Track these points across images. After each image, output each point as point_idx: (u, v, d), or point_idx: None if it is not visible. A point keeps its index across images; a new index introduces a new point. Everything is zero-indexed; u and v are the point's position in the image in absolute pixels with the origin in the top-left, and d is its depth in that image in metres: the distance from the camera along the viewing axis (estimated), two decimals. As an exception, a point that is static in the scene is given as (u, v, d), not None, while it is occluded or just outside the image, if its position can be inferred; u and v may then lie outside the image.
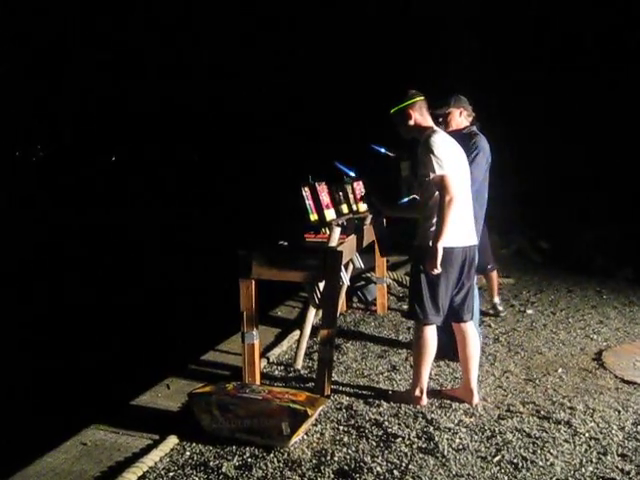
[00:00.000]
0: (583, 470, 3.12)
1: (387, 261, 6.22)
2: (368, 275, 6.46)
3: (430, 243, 3.58)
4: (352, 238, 4.63)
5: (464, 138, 4.48)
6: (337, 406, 3.85)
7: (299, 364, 4.54)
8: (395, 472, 3.07)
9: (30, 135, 23.99)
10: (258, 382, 3.98)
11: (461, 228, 3.70)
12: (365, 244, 5.07)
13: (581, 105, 10.66)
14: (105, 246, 11.06)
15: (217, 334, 5.12)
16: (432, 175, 3.58)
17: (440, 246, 3.52)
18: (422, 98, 3.83)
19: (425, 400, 3.86)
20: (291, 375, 4.41)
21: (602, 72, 10.73)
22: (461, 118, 4.65)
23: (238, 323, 3.99)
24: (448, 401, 3.91)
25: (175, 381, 4.25)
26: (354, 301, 6.33)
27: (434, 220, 3.61)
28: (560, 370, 4.53)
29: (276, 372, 4.47)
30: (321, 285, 4.08)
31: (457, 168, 3.69)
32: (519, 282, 7.57)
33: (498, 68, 11.21)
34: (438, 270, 3.56)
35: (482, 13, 11.67)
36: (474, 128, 4.71)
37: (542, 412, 3.79)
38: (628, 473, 3.10)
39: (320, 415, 3.64)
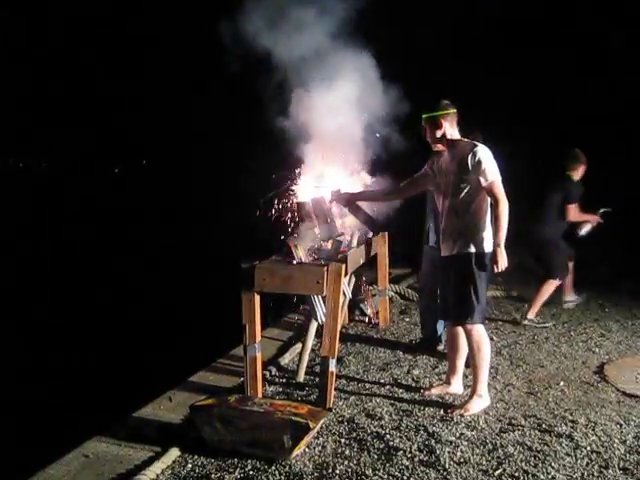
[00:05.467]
0: (585, 484, 3.13)
1: (389, 274, 6.23)
2: (370, 288, 6.47)
3: (486, 248, 3.90)
4: (354, 251, 4.64)
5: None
6: (339, 419, 3.85)
7: (301, 377, 4.55)
8: (396, 485, 3.08)
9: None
10: (260, 395, 3.99)
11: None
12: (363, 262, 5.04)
13: (584, 116, 10.70)
14: (108, 258, 11.08)
15: (219, 347, 5.13)
16: (486, 182, 3.83)
17: (503, 246, 3.86)
18: (455, 111, 4.02)
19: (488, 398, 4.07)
20: (293, 388, 4.42)
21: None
22: None
23: (240, 335, 4.01)
24: (450, 414, 3.92)
25: (177, 394, 4.26)
26: (356, 314, 6.34)
27: (481, 225, 3.91)
28: (562, 383, 4.53)
29: (278, 385, 4.48)
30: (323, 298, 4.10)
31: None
32: (521, 295, 7.56)
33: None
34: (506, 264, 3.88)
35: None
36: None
37: (544, 425, 3.79)
38: (630, 487, 3.11)
39: (322, 428, 3.65)
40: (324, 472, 3.20)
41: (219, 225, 11.60)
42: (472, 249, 3.92)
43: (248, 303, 3.95)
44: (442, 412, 3.96)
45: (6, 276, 9.29)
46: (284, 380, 4.56)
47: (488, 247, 3.92)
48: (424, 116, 4.06)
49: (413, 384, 4.49)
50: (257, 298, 3.98)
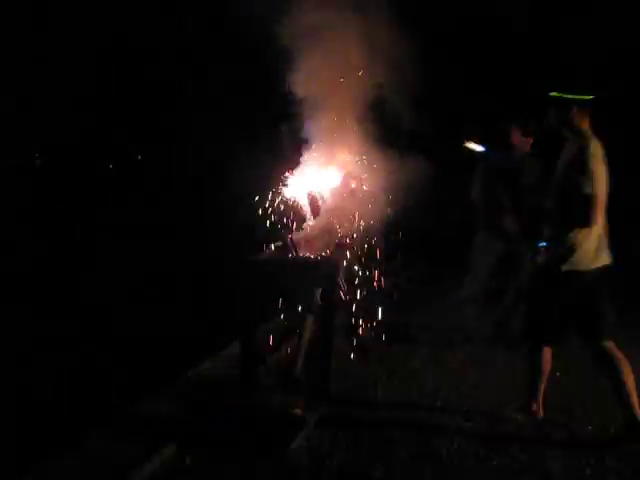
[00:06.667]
0: (581, 473, 3.14)
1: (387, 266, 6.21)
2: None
3: (580, 265, 3.45)
4: (350, 244, 4.62)
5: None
6: (336, 411, 3.86)
7: (298, 371, 4.55)
8: (394, 477, 3.09)
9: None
10: (257, 389, 3.99)
11: None
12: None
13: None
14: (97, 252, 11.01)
15: (217, 341, 5.12)
16: (584, 192, 3.31)
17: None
18: (590, 98, 3.47)
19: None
20: (290, 381, 4.42)
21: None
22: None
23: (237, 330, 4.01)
24: (446, 406, 3.93)
25: (175, 388, 4.25)
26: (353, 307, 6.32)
27: (580, 238, 3.41)
28: (558, 373, 4.53)
29: (275, 379, 4.47)
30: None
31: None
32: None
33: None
34: None
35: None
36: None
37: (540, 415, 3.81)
38: (625, 475, 3.12)
39: (319, 421, 3.66)
40: (321, 465, 3.21)
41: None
42: (564, 265, 3.43)
43: (246, 298, 3.94)
44: (439, 404, 3.98)
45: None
46: (281, 374, 4.56)
47: (581, 264, 3.42)
48: (552, 94, 3.49)
49: (410, 377, 4.50)
50: (257, 293, 3.97)
